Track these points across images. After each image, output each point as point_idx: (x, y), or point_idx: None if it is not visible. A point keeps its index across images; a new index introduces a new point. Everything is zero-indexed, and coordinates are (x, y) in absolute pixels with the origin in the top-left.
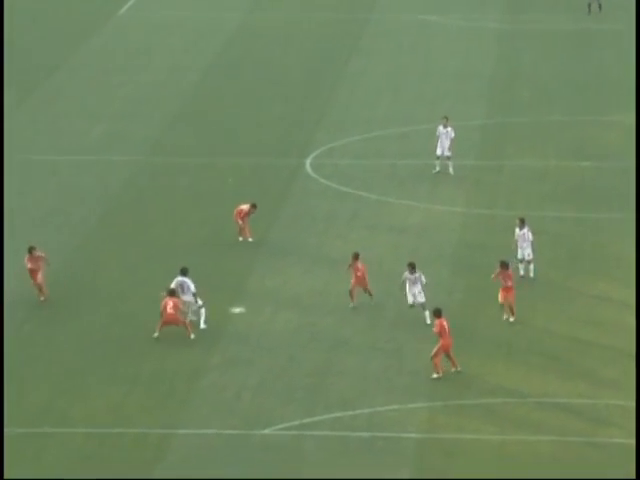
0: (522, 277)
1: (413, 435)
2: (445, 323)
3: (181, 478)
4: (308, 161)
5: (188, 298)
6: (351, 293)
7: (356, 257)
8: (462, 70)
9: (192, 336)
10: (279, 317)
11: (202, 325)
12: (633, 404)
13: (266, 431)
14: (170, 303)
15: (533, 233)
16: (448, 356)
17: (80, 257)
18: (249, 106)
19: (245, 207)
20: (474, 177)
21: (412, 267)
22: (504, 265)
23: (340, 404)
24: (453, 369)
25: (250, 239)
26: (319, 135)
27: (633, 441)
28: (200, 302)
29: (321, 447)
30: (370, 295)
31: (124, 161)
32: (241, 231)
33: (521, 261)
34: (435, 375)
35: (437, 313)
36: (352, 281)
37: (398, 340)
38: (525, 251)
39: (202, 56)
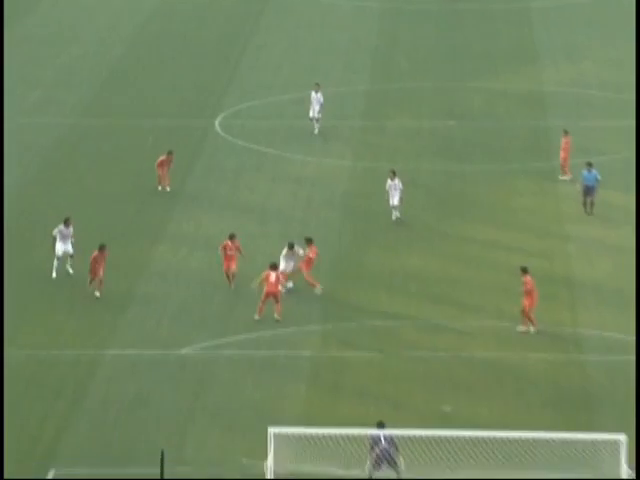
0: (394, 221)
1: (308, 354)
2: (531, 280)
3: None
4: (217, 122)
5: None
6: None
7: (309, 242)
8: (349, 43)
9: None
10: (194, 256)
11: None
12: (491, 324)
13: (182, 351)
14: (273, 275)
15: (403, 183)
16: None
17: (20, 206)
18: (167, 74)
19: (163, 157)
20: (360, 136)
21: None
22: (524, 270)
23: (246, 328)
24: (533, 328)
25: (168, 188)
26: (227, 99)
27: (494, 354)
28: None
29: (230, 365)
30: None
31: (57, 123)
32: (160, 180)
33: (394, 207)
34: (532, 329)
35: (525, 270)
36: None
37: (297, 274)
38: (395, 198)
39: (125, 31)
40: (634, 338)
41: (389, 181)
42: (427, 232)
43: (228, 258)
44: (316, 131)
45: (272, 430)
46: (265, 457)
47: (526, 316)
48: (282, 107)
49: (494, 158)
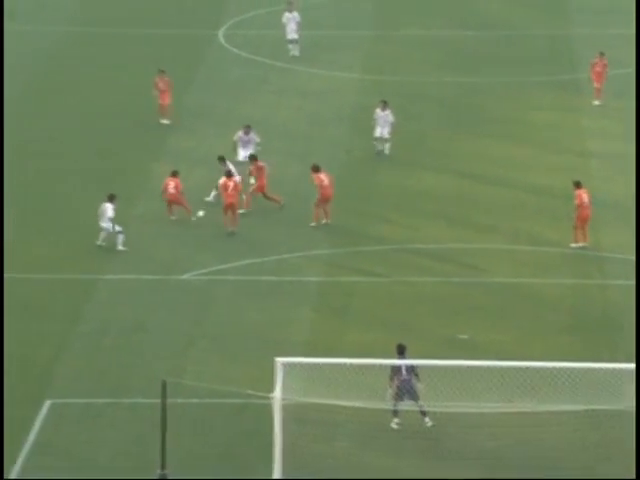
0: (377, 153)
1: (314, 279)
2: (585, 195)
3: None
4: (221, 32)
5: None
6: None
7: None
8: None
9: (193, 218)
10: (194, 174)
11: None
12: (508, 247)
13: (183, 276)
14: (171, 184)
15: (394, 115)
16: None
17: (9, 119)
18: None
19: (157, 78)
20: (369, 47)
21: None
22: (577, 185)
23: (250, 252)
24: (582, 243)
25: (166, 121)
26: (231, 7)
27: (510, 278)
28: (118, 228)
29: (234, 290)
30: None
31: (48, 31)
32: (161, 110)
33: (377, 139)
34: (581, 244)
35: (577, 184)
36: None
37: (302, 195)
38: (384, 129)
39: None
40: None
41: (378, 111)
42: (440, 148)
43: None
44: (297, 53)
45: (280, 360)
46: (271, 388)
47: (579, 231)
48: None
49: (512, 70)
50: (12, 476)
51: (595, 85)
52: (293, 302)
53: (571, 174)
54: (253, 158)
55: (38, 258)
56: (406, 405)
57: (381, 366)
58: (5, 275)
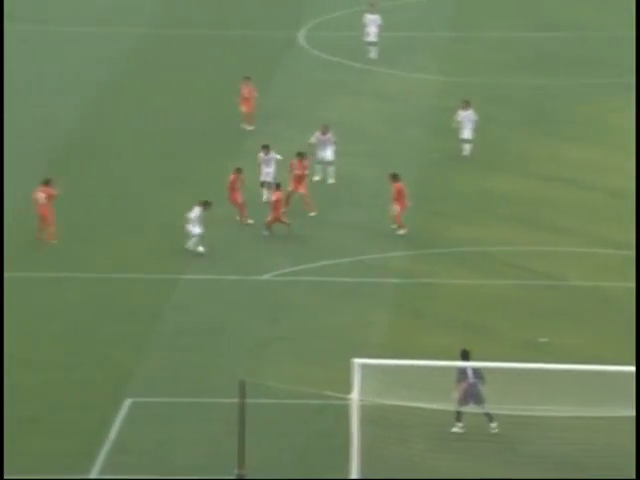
0: (464, 156)
1: (392, 280)
2: None
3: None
4: (301, 33)
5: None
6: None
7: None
8: None
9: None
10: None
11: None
12: (584, 250)
13: (261, 277)
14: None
15: (490, 100)
16: None
17: (90, 122)
18: None
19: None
20: (447, 48)
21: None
22: None
23: (327, 254)
24: None
25: (249, 127)
26: (312, 9)
27: (589, 282)
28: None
29: (310, 291)
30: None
31: (128, 33)
32: (245, 118)
33: (465, 141)
34: None
35: None
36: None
37: (380, 196)
38: (467, 131)
39: None
40: None
41: (461, 112)
42: (518, 151)
43: (295, 179)
44: (375, 56)
45: (357, 361)
46: (348, 389)
47: None
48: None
49: (589, 72)
50: (92, 475)
51: None
52: (370, 304)
53: None
54: (302, 155)
55: (117, 258)
56: (471, 409)
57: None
58: (84, 275)
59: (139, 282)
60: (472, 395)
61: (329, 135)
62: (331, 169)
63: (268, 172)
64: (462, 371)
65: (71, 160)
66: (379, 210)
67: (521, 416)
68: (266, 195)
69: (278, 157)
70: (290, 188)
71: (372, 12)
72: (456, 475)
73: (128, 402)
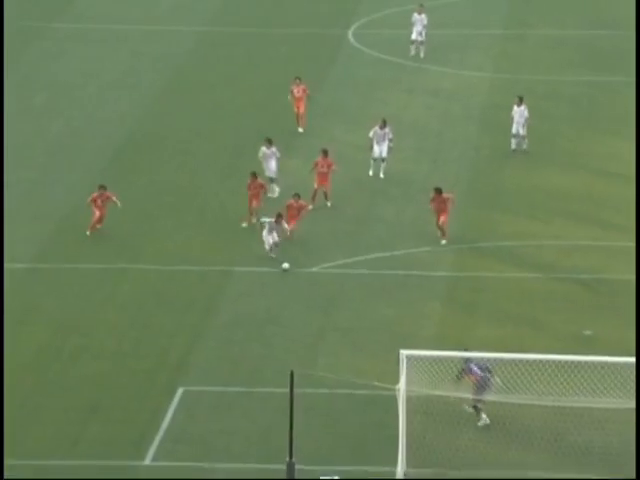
0: (513, 151)
1: (443, 274)
2: None
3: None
4: (351, 31)
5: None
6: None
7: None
8: None
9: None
10: None
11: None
12: (634, 245)
13: (313, 269)
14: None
15: (529, 111)
16: None
17: (150, 116)
18: None
19: (294, 87)
20: (500, 46)
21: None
22: None
23: (378, 246)
24: None
25: (301, 129)
26: (362, 7)
27: (632, 277)
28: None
29: (363, 283)
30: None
31: (188, 31)
32: (298, 120)
33: (515, 136)
34: None
35: None
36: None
37: (429, 191)
38: (519, 126)
39: None
40: None
41: (515, 107)
42: (570, 147)
43: (320, 177)
44: (422, 54)
45: (404, 352)
46: (397, 380)
47: None
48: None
49: None
50: (146, 462)
51: None
52: (421, 296)
53: None
54: (325, 152)
55: (175, 251)
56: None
57: (505, 360)
58: (141, 266)
59: (194, 274)
60: (484, 387)
61: (386, 130)
62: (383, 165)
63: (270, 167)
64: (467, 368)
65: (135, 156)
66: (426, 204)
67: (565, 407)
68: (276, 191)
69: (391, 136)
70: (315, 186)
71: (420, 12)
72: (503, 466)
73: (180, 391)
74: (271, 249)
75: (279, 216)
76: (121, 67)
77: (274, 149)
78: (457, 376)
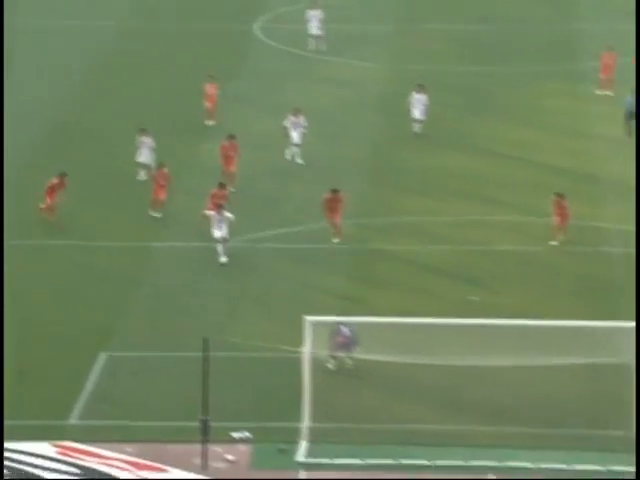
0: (415, 134)
1: (345, 247)
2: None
3: None
4: (258, 25)
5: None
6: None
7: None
8: None
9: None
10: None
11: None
12: (523, 218)
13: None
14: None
15: (436, 85)
16: None
17: (80, 102)
18: None
19: (209, 85)
20: (394, 39)
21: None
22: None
23: (286, 222)
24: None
25: (211, 122)
26: (267, 2)
27: (521, 247)
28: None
29: (272, 256)
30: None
31: (105, 26)
32: (208, 114)
33: (415, 121)
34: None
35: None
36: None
37: (335, 172)
38: (419, 112)
39: None
40: None
41: (415, 94)
42: (461, 132)
43: (226, 160)
44: (323, 47)
45: (309, 319)
46: (302, 343)
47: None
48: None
49: (525, 60)
50: (71, 421)
51: (602, 76)
52: (325, 267)
53: (579, 155)
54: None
55: (98, 229)
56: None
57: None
58: (64, 242)
59: (116, 249)
60: (344, 346)
61: (300, 118)
62: (297, 150)
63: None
64: (336, 330)
65: (60, 141)
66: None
67: (466, 367)
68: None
69: (305, 124)
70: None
71: (313, 8)
72: (401, 420)
73: (104, 356)
74: (222, 251)
75: (219, 207)
76: (44, 60)
77: (149, 139)
78: (329, 336)
